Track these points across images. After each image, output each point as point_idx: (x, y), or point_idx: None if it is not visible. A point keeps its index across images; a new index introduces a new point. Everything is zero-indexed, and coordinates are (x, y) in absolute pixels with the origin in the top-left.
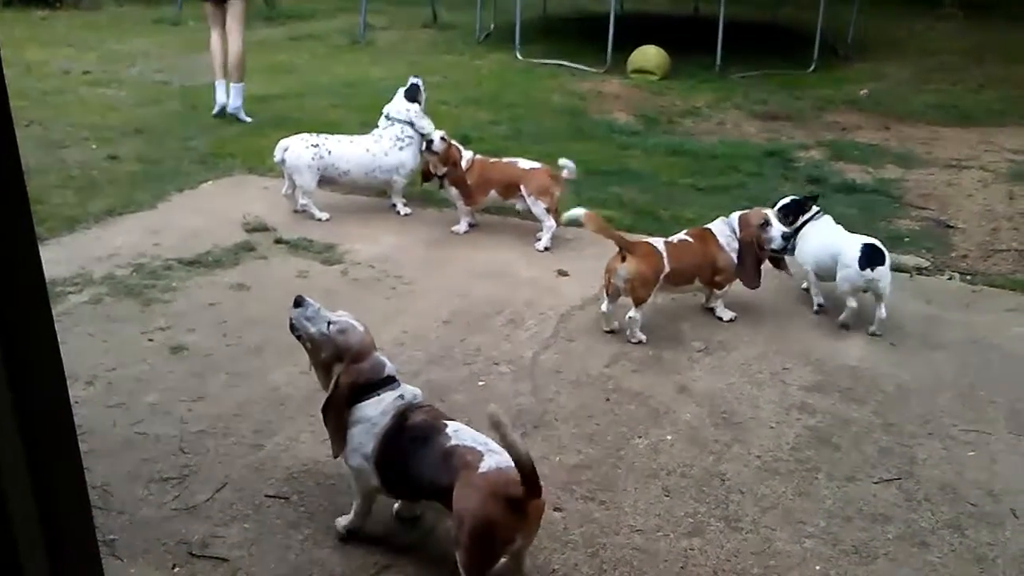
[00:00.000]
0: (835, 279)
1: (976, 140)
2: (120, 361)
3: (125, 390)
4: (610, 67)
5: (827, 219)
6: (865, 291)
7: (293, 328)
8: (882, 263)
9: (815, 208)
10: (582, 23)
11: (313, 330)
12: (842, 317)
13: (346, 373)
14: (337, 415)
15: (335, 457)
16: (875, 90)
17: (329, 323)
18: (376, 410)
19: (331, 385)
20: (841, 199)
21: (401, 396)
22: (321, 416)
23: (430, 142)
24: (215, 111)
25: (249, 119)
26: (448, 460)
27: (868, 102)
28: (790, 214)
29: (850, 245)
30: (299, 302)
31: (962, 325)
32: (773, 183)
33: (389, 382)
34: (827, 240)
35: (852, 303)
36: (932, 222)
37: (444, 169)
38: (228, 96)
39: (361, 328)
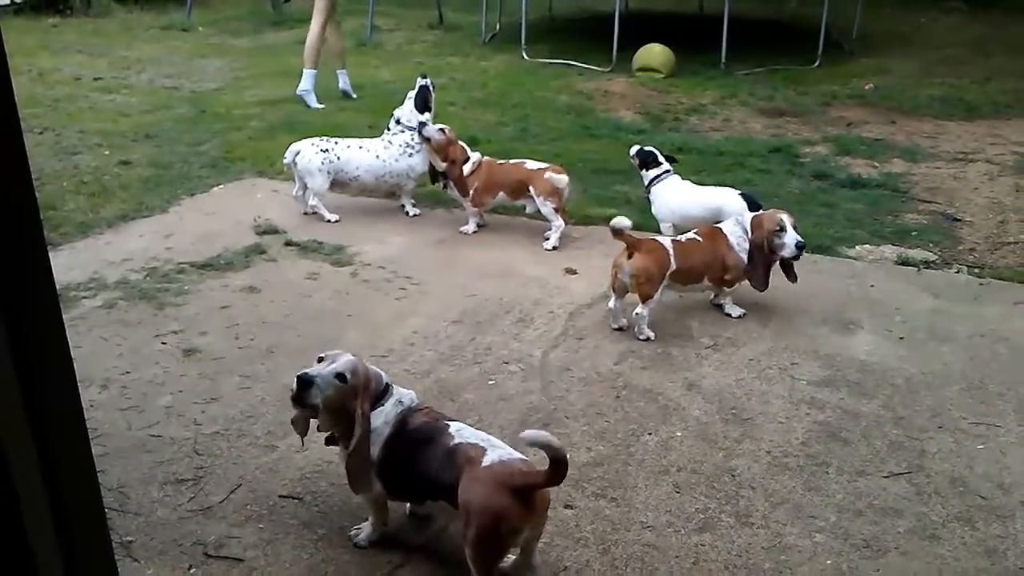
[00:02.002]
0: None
1: (982, 133)
2: (134, 364)
3: (139, 393)
4: (616, 66)
5: (676, 177)
6: None
7: (306, 402)
8: (761, 206)
9: (665, 167)
10: (587, 23)
11: (330, 392)
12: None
13: (364, 400)
14: (368, 447)
15: (368, 493)
16: (880, 84)
17: (337, 375)
18: (379, 420)
19: (359, 419)
20: (848, 194)
21: (400, 402)
22: (348, 459)
23: (422, 124)
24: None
25: (321, 105)
26: (452, 458)
27: (874, 96)
28: (639, 158)
29: (730, 196)
30: (308, 382)
31: (970, 318)
32: (779, 179)
33: (387, 391)
34: (697, 196)
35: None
36: (939, 216)
37: (444, 165)
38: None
39: (353, 356)
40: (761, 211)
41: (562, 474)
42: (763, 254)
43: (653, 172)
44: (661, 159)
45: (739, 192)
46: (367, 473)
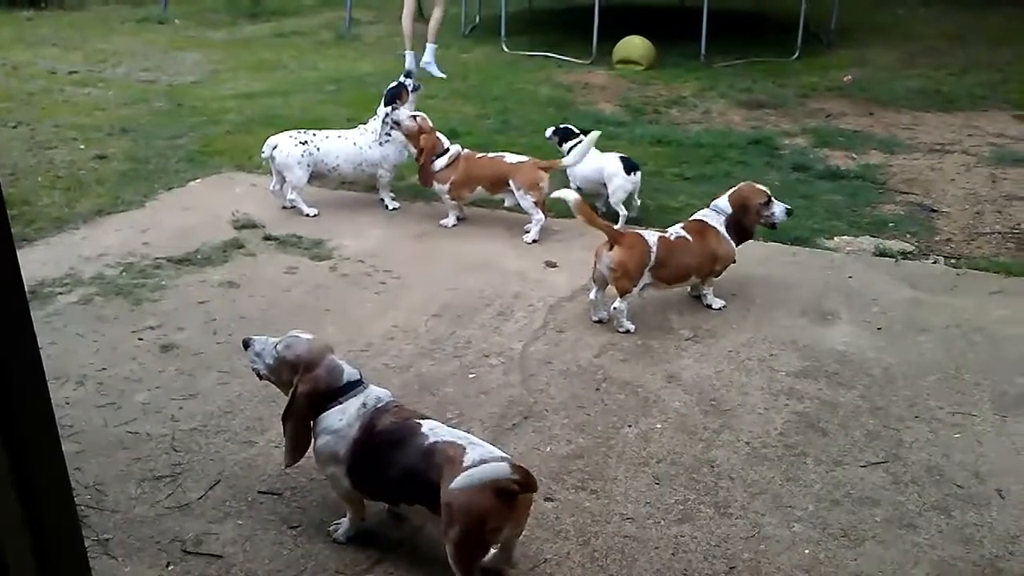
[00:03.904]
0: (598, 193)
1: (959, 124)
2: (110, 361)
3: (116, 389)
4: (596, 58)
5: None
6: (630, 193)
7: (251, 364)
8: (638, 168)
9: (580, 136)
10: (567, 14)
11: (269, 361)
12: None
13: (302, 382)
14: (296, 425)
15: (287, 466)
16: (859, 76)
17: (275, 345)
18: (341, 420)
19: (291, 394)
20: (826, 185)
21: (364, 404)
22: (282, 425)
23: (395, 107)
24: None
25: (443, 75)
26: (430, 458)
27: (852, 88)
28: (557, 135)
29: (610, 160)
30: (247, 343)
31: (947, 308)
32: (758, 171)
33: (352, 387)
34: (589, 159)
35: (623, 210)
36: (916, 207)
37: (414, 151)
38: (416, 61)
39: (307, 337)
40: (736, 187)
41: (532, 486)
42: (746, 227)
43: (570, 143)
44: (577, 132)
45: (619, 156)
46: (293, 446)
